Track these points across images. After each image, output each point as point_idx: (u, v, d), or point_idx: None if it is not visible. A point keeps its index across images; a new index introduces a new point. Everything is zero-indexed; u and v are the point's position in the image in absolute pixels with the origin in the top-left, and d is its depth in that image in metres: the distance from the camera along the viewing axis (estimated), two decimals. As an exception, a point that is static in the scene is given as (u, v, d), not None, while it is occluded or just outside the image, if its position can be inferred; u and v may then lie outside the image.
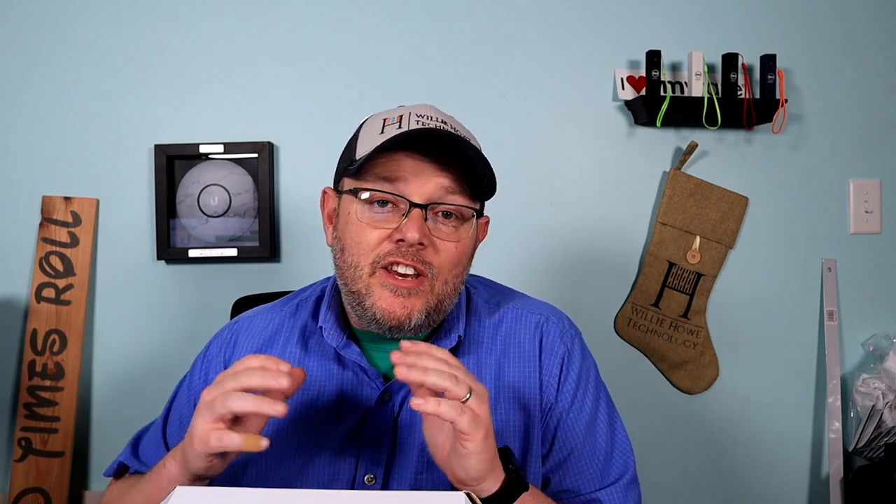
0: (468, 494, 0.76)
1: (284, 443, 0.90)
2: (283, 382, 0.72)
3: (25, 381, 1.69)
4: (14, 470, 1.68)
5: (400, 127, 0.86)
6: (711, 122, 1.74)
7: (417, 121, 0.86)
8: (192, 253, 1.72)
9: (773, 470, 1.82)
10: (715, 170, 1.80)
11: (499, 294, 1.02)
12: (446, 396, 0.72)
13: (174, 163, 1.74)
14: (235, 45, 1.76)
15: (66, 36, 1.74)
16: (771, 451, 1.82)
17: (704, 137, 1.80)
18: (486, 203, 0.95)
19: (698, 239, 1.79)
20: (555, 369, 0.93)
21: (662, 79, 1.75)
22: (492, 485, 0.76)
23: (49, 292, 1.71)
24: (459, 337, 0.92)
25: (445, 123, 0.88)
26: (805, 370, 1.83)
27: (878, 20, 1.85)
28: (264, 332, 0.98)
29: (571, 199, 1.80)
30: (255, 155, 1.73)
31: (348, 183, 0.88)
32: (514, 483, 0.77)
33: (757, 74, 1.80)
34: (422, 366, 0.73)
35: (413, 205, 0.84)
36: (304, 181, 1.76)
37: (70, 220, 1.73)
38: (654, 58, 1.73)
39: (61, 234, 1.72)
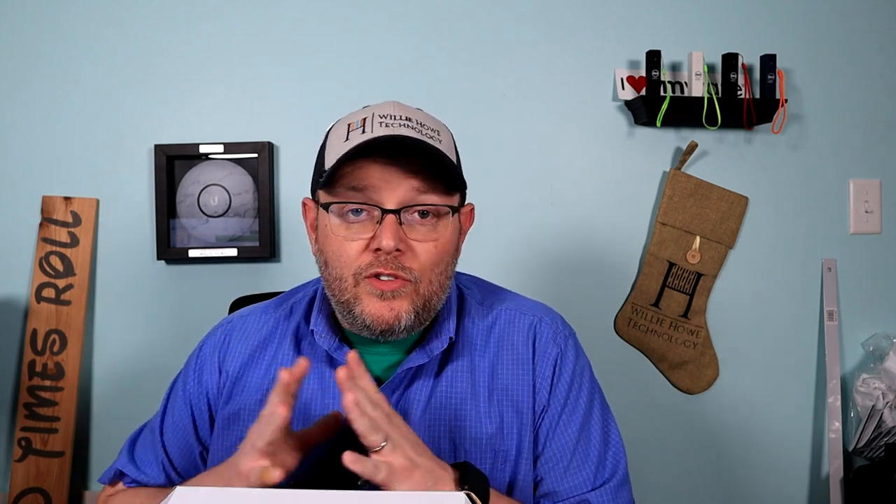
0: (468, 495, 0.76)
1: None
2: (283, 376, 0.77)
3: (25, 381, 1.69)
4: (14, 470, 1.68)
5: (364, 132, 0.85)
6: (711, 122, 1.74)
7: (381, 122, 0.85)
8: (192, 253, 1.72)
9: (773, 470, 1.82)
10: (715, 170, 1.80)
11: (492, 295, 1.01)
12: (362, 441, 0.76)
13: (174, 163, 1.74)
14: (235, 45, 1.76)
15: (66, 36, 1.74)
16: (771, 451, 1.82)
17: (704, 137, 1.80)
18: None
19: (698, 239, 1.79)
20: (548, 371, 0.93)
21: (662, 79, 1.75)
22: None
23: (49, 292, 1.71)
24: (451, 338, 0.91)
25: (410, 120, 0.86)
26: (805, 370, 1.83)
27: (878, 20, 1.85)
28: (258, 334, 0.97)
29: (571, 199, 1.80)
30: (255, 155, 1.73)
31: (322, 196, 0.88)
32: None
33: (757, 74, 1.80)
34: (351, 399, 0.76)
35: (385, 211, 0.83)
36: (304, 181, 1.74)
37: (70, 220, 1.73)
38: (654, 58, 1.73)
39: (61, 234, 1.72)
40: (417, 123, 0.86)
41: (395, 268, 0.84)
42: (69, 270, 1.72)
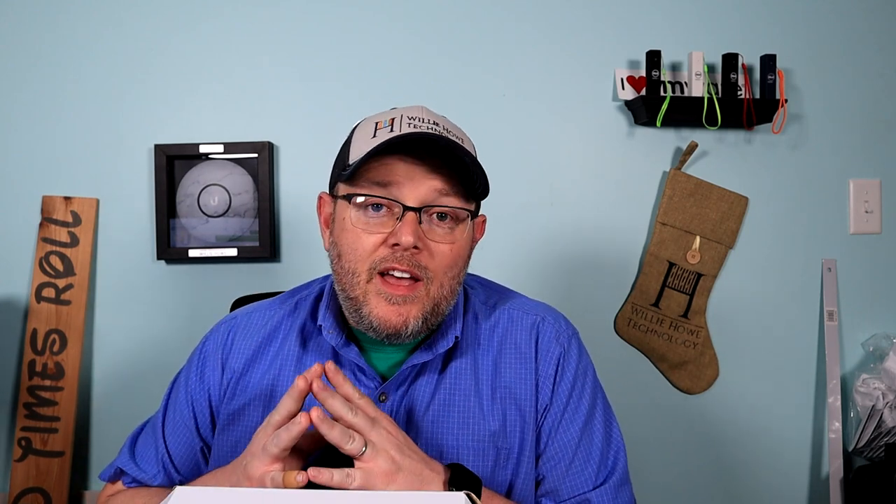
0: (468, 494, 0.76)
1: None
2: (300, 384, 0.77)
3: (25, 381, 1.69)
4: (14, 470, 1.68)
5: (392, 130, 0.86)
6: (711, 122, 1.74)
7: (409, 123, 0.86)
8: (192, 253, 1.72)
9: (773, 470, 1.82)
10: (715, 170, 1.80)
11: (496, 294, 1.02)
12: (340, 450, 0.76)
13: (174, 163, 1.74)
14: (235, 45, 1.76)
15: (66, 36, 1.75)
16: (771, 451, 1.82)
17: (704, 137, 1.80)
18: (487, 203, 0.95)
19: (698, 239, 1.79)
20: (550, 370, 0.94)
21: (662, 79, 1.75)
22: None
23: (49, 292, 1.71)
24: (456, 338, 0.92)
25: (437, 125, 0.87)
26: (805, 370, 1.83)
27: (878, 20, 1.85)
28: (262, 329, 0.98)
29: (571, 199, 1.80)
30: (255, 155, 1.73)
31: (342, 188, 0.88)
32: None
33: (757, 74, 1.80)
34: (329, 407, 0.77)
35: (406, 208, 0.84)
36: (304, 181, 1.76)
37: (70, 220, 1.73)
38: (654, 58, 1.73)
39: (61, 234, 1.72)
40: (444, 129, 0.88)
41: (409, 265, 0.84)
42: (69, 270, 1.72)
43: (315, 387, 0.77)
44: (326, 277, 0.99)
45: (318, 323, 0.92)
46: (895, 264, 1.85)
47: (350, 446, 0.75)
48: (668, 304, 1.79)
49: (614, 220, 1.81)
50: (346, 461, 0.77)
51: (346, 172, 0.86)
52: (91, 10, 1.75)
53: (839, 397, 1.80)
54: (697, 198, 1.78)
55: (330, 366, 0.79)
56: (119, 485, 0.99)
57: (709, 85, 1.74)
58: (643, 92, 1.76)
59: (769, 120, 1.78)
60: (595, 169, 1.80)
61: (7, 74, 1.74)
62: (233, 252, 1.72)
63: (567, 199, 1.80)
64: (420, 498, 0.74)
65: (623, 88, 1.78)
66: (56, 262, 1.72)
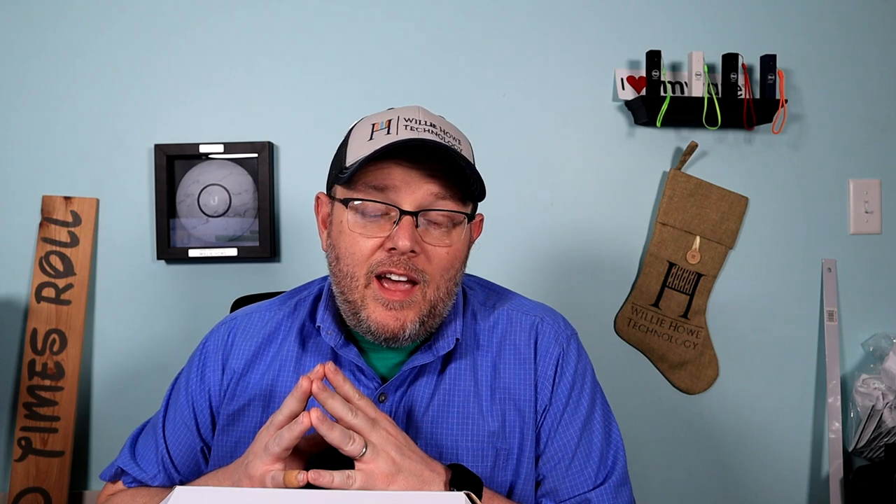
0: (468, 494, 0.76)
1: None
2: (303, 384, 0.77)
3: (25, 381, 1.69)
4: (14, 470, 1.68)
5: (388, 132, 0.86)
6: (711, 122, 1.74)
7: (406, 125, 0.86)
8: (192, 253, 1.72)
9: (773, 470, 1.82)
10: (715, 170, 1.80)
11: (495, 295, 1.02)
12: (341, 451, 0.76)
13: (174, 163, 1.74)
14: (235, 44, 1.76)
15: (66, 36, 1.75)
16: (771, 451, 1.82)
17: (704, 137, 1.80)
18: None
19: (698, 239, 1.79)
20: (549, 370, 0.94)
21: (662, 79, 1.75)
22: None
23: (49, 292, 1.71)
24: (457, 340, 0.92)
25: (434, 126, 0.87)
26: (805, 370, 1.83)
27: (879, 20, 1.85)
28: (262, 331, 0.98)
29: (571, 199, 1.80)
30: (255, 155, 1.73)
31: (340, 192, 0.89)
32: None
33: (757, 74, 1.80)
34: (330, 409, 0.77)
35: (403, 212, 0.84)
36: (304, 181, 1.76)
37: (70, 220, 1.73)
38: (654, 58, 1.73)
39: (61, 234, 1.72)
40: (441, 131, 0.88)
41: (406, 268, 0.84)
42: (69, 270, 1.72)
43: (315, 388, 0.77)
44: (325, 278, 0.99)
45: (317, 324, 0.92)
46: (895, 264, 1.85)
47: (350, 447, 0.75)
48: (668, 304, 1.79)
49: (614, 220, 1.80)
50: (346, 462, 0.77)
51: (343, 176, 0.86)
52: (91, 9, 1.75)
53: (839, 397, 1.80)
54: (697, 198, 1.78)
55: (330, 366, 0.79)
56: (119, 484, 1.00)
57: (709, 85, 1.74)
58: (643, 92, 1.76)
59: (769, 120, 1.78)
60: (595, 169, 1.80)
61: (7, 74, 1.74)
62: (233, 252, 1.72)
63: (567, 199, 1.80)
64: (420, 498, 0.74)
65: (623, 88, 1.78)
66: (56, 262, 1.72)
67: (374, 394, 0.90)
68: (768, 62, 1.76)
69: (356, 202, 0.85)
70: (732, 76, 1.74)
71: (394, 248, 0.84)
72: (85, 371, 1.75)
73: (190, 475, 0.96)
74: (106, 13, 1.75)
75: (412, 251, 0.84)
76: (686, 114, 1.74)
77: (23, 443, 1.68)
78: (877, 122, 1.85)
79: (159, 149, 1.72)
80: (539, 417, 0.93)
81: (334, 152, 0.95)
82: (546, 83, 1.79)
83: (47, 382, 1.69)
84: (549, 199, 1.80)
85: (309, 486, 0.89)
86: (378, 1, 1.77)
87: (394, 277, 0.85)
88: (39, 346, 1.70)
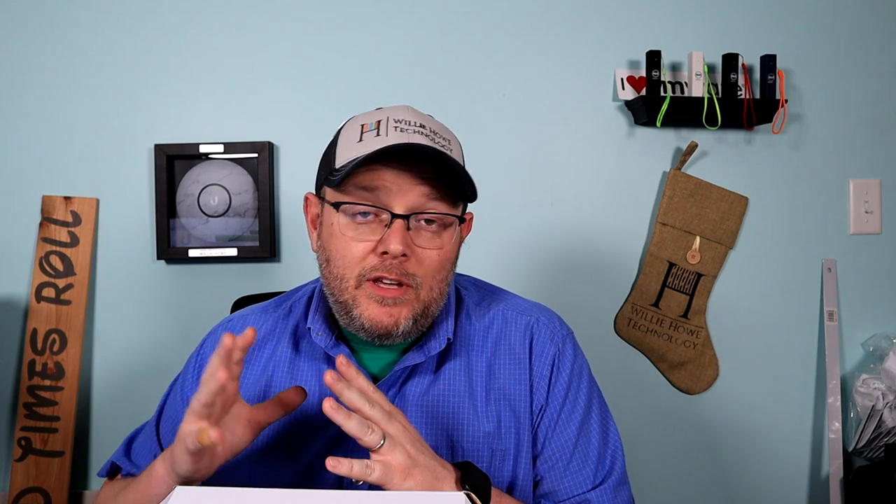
0: (468, 495, 0.76)
1: (274, 443, 0.90)
2: (225, 340, 0.73)
3: (25, 381, 1.69)
4: (14, 470, 1.68)
5: (378, 134, 0.85)
6: (711, 122, 1.74)
7: (396, 126, 0.86)
8: (192, 253, 1.72)
9: (773, 470, 1.82)
10: (715, 170, 1.80)
11: (490, 295, 1.01)
12: (359, 442, 0.75)
13: (174, 163, 1.74)
14: (235, 44, 1.76)
15: (66, 36, 1.74)
16: (771, 451, 1.82)
17: (704, 137, 1.80)
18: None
19: (698, 239, 1.79)
20: (545, 371, 0.93)
21: (662, 79, 1.75)
22: None
23: (49, 292, 1.71)
24: (448, 339, 0.91)
25: (424, 127, 0.87)
26: (805, 370, 1.83)
27: (878, 20, 1.85)
28: (257, 333, 0.98)
29: (571, 199, 1.80)
30: (255, 155, 1.73)
31: (330, 194, 0.88)
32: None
33: (757, 74, 1.80)
34: (346, 399, 0.75)
35: (395, 216, 0.84)
36: (304, 181, 1.76)
37: (70, 219, 1.73)
38: (654, 58, 1.73)
39: (61, 234, 1.72)
40: (430, 131, 0.87)
41: (398, 273, 0.84)
42: (69, 270, 1.72)
43: (329, 378, 0.76)
44: (318, 280, 0.99)
45: (308, 325, 0.92)
46: (895, 264, 1.85)
47: (369, 437, 0.74)
48: (668, 304, 1.79)
49: (614, 220, 1.80)
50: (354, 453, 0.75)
51: (333, 179, 0.86)
52: (91, 10, 1.75)
53: (839, 397, 1.80)
54: (697, 198, 1.78)
55: (342, 359, 0.78)
56: (118, 479, 1.00)
57: (709, 85, 1.74)
58: (643, 92, 1.76)
59: (769, 120, 1.78)
60: (595, 169, 1.80)
61: (7, 74, 1.74)
62: (233, 252, 1.72)
63: (567, 199, 1.80)
64: (420, 498, 0.74)
65: (623, 88, 1.78)
66: (56, 261, 1.72)
67: None
68: (768, 62, 1.76)
69: (347, 205, 0.85)
70: (732, 76, 1.74)
71: (385, 252, 0.83)
72: (85, 371, 1.75)
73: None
74: (106, 13, 1.75)
75: (403, 255, 0.83)
76: (686, 114, 1.74)
77: (23, 443, 1.68)
78: (877, 122, 1.85)
79: (159, 149, 1.72)
80: (535, 418, 0.93)
81: None
82: (546, 83, 1.79)
83: (47, 382, 1.69)
84: (549, 199, 1.80)
85: (310, 485, 0.89)
86: (378, 1, 1.77)
87: (385, 282, 0.85)
88: (39, 346, 1.70)
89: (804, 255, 1.83)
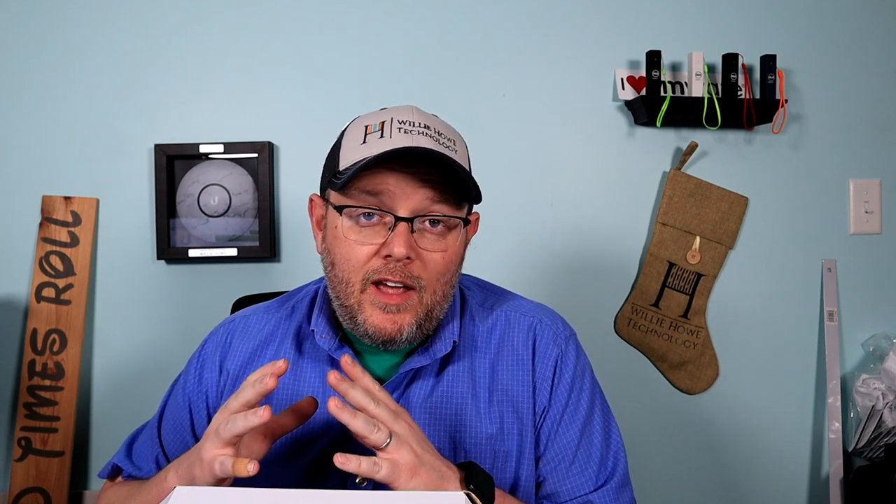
0: (468, 495, 0.76)
1: (278, 446, 0.90)
2: (270, 383, 0.74)
3: (25, 381, 1.69)
4: (14, 470, 1.68)
5: (382, 136, 0.85)
6: (711, 122, 1.74)
7: (400, 128, 0.85)
8: (192, 253, 1.72)
9: (773, 470, 1.82)
10: (715, 170, 1.80)
11: (493, 296, 1.01)
12: (365, 443, 0.75)
13: (174, 163, 1.74)
14: (235, 45, 1.76)
15: (66, 36, 1.74)
16: (771, 451, 1.82)
17: (704, 137, 1.80)
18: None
19: (698, 239, 1.79)
20: (548, 372, 0.93)
21: (662, 79, 1.75)
22: None
23: (49, 292, 1.71)
24: (454, 342, 0.91)
25: (429, 129, 0.86)
26: (805, 370, 1.83)
27: (878, 20, 1.85)
28: (259, 334, 0.98)
29: (571, 199, 1.80)
30: (255, 155, 1.73)
31: (334, 197, 0.88)
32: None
33: (757, 74, 1.80)
34: (351, 399, 0.75)
35: (399, 219, 0.83)
36: (304, 181, 1.76)
37: (70, 219, 1.73)
38: (654, 58, 1.73)
39: (61, 234, 1.72)
40: (435, 132, 0.87)
41: (402, 276, 0.84)
42: (69, 270, 1.72)
43: (333, 379, 0.75)
44: (321, 279, 0.99)
45: (311, 327, 0.92)
46: (895, 264, 1.85)
47: (375, 436, 0.74)
48: (668, 304, 1.79)
49: (614, 220, 1.80)
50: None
51: (337, 182, 0.85)
52: (91, 10, 1.75)
53: (839, 397, 1.80)
54: (697, 198, 1.78)
55: (346, 358, 0.78)
56: (118, 480, 1.00)
57: (709, 85, 1.74)
58: (643, 92, 1.76)
59: (769, 120, 1.78)
60: (595, 169, 1.80)
61: (7, 74, 1.74)
62: (233, 252, 1.72)
63: (567, 199, 1.80)
64: (419, 498, 0.74)
65: (623, 88, 1.78)
66: (56, 261, 1.72)
67: None
68: (768, 62, 1.76)
69: (350, 208, 0.85)
70: (732, 76, 1.74)
71: (389, 255, 0.83)
72: (85, 371, 1.75)
73: None
74: (106, 13, 1.75)
75: (408, 258, 0.83)
76: (686, 114, 1.74)
77: (23, 443, 1.68)
78: (877, 122, 1.85)
79: (159, 149, 1.72)
80: (538, 419, 0.92)
81: None
82: (546, 83, 1.79)
83: (47, 382, 1.69)
84: (549, 199, 1.80)
85: (311, 484, 0.88)
86: (378, 1, 1.77)
87: (390, 284, 0.84)
88: (39, 346, 1.70)
89: (804, 255, 1.83)
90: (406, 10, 1.77)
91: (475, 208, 0.96)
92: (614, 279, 1.81)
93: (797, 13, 1.83)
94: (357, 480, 0.84)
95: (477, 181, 0.86)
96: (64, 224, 1.73)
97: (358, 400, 0.76)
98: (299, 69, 1.76)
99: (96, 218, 1.75)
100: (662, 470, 1.80)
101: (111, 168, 1.75)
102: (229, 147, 1.72)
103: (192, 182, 1.74)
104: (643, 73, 1.78)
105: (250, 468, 0.71)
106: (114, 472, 1.00)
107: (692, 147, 1.75)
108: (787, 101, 1.79)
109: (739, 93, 1.77)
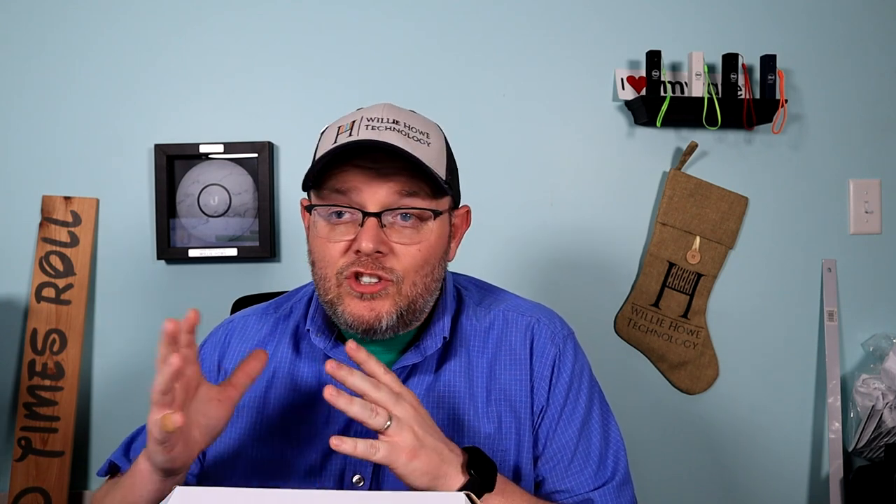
0: (468, 495, 0.76)
1: (274, 443, 0.91)
2: (169, 327, 0.76)
3: (25, 381, 1.69)
4: (14, 470, 1.68)
5: (350, 135, 0.85)
6: (711, 122, 1.74)
7: (367, 125, 0.85)
8: (192, 253, 1.72)
9: (773, 470, 1.82)
10: (715, 170, 1.80)
11: (490, 295, 1.01)
12: (364, 425, 0.75)
13: (174, 163, 1.74)
14: (235, 45, 1.76)
15: (66, 36, 1.74)
16: (771, 451, 1.82)
17: (704, 137, 1.80)
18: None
19: (698, 239, 1.79)
20: (546, 371, 0.93)
21: (662, 79, 1.75)
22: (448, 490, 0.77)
23: (49, 292, 1.71)
24: (445, 338, 0.91)
25: (398, 123, 0.86)
26: (805, 370, 1.83)
27: (879, 20, 1.85)
28: (257, 334, 0.98)
29: (571, 199, 1.80)
30: (255, 155, 1.73)
31: (311, 196, 0.89)
32: (472, 486, 0.77)
33: (757, 74, 1.80)
34: (351, 385, 0.75)
35: (366, 214, 0.83)
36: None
37: (70, 219, 1.73)
38: (654, 58, 1.73)
39: (61, 234, 1.72)
40: (405, 126, 0.86)
41: (375, 268, 0.84)
42: (69, 270, 1.72)
43: (330, 367, 0.76)
44: None
45: (307, 327, 0.93)
46: (895, 264, 1.85)
47: (374, 420, 0.74)
48: (668, 304, 1.79)
49: (614, 220, 1.80)
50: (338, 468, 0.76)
51: (309, 182, 0.87)
52: (91, 10, 1.75)
53: (839, 397, 1.80)
54: (697, 198, 1.78)
55: (351, 344, 0.78)
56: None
57: (709, 85, 1.74)
58: (643, 92, 1.76)
59: (769, 120, 1.78)
60: (595, 169, 1.80)
61: (7, 74, 1.74)
62: (233, 252, 1.72)
63: (567, 199, 1.80)
64: (419, 498, 0.74)
65: (623, 88, 1.78)
66: (56, 261, 1.72)
67: None
68: (768, 62, 1.76)
69: (321, 207, 0.86)
70: (732, 76, 1.74)
71: (359, 251, 0.83)
72: (85, 371, 1.75)
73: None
74: (106, 13, 1.75)
75: (379, 252, 0.83)
76: (686, 114, 1.74)
77: (23, 443, 1.68)
78: (877, 122, 1.85)
79: (159, 149, 1.72)
80: (536, 419, 0.92)
81: None
82: (546, 83, 1.79)
83: (47, 382, 1.69)
84: (549, 199, 1.80)
85: (312, 483, 0.88)
86: (378, 1, 1.77)
87: (364, 279, 0.85)
88: (39, 346, 1.70)
89: (804, 255, 1.83)
90: (406, 10, 1.77)
91: (469, 202, 0.96)
92: (614, 279, 1.81)
93: (797, 13, 1.83)
94: (353, 479, 0.85)
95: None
96: (64, 224, 1.73)
97: (357, 386, 0.76)
98: (299, 69, 1.76)
99: (96, 218, 1.75)
100: (662, 470, 1.80)
101: (111, 168, 1.75)
102: (229, 147, 1.72)
103: (192, 182, 1.74)
104: (643, 73, 1.78)
105: (175, 418, 0.72)
106: (112, 471, 1.00)
107: (692, 147, 1.75)
108: (787, 101, 1.79)
109: (739, 93, 1.77)
